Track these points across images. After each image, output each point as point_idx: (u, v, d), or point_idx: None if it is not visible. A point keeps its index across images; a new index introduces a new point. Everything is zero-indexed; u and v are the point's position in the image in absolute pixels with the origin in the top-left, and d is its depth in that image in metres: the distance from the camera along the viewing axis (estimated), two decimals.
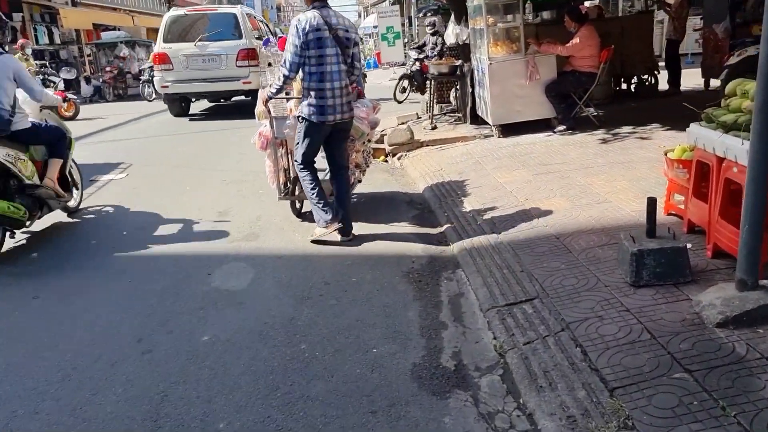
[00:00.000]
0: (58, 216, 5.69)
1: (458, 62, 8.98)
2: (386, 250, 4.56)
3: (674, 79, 9.89)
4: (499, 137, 7.72)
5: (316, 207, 4.70)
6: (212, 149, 9.17)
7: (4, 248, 4.85)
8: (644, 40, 9.69)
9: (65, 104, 13.26)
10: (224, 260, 4.50)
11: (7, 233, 4.90)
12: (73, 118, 13.45)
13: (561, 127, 7.58)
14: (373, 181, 6.60)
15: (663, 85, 10.11)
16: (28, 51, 13.78)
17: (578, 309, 3.12)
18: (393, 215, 5.40)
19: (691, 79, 10.57)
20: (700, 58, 11.16)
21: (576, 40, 7.40)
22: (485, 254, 4.12)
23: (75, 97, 14.09)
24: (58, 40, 23.58)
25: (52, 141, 5.29)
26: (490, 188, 5.61)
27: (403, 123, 10.56)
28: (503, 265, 3.87)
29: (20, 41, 14.87)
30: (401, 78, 13.05)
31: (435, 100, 9.52)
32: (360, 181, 5.87)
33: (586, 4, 11.21)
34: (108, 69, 20.30)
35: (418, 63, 12.11)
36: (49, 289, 4.15)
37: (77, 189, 5.99)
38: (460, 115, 9.26)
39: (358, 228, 5.00)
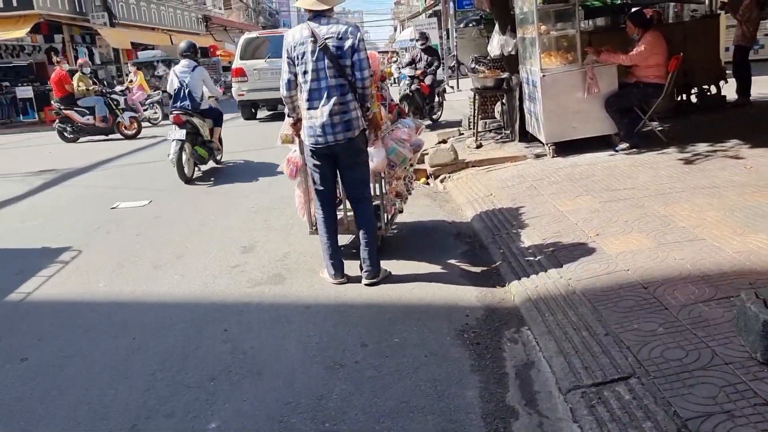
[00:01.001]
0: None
1: (504, 75, 8.26)
2: (434, 297, 3.86)
3: (744, 88, 8.96)
4: (553, 157, 6.95)
5: (324, 257, 4.21)
6: (243, 172, 8.63)
7: None
8: (710, 47, 8.78)
9: (128, 122, 13.44)
10: (244, 310, 3.86)
11: (196, 167, 8.36)
12: (134, 136, 13.46)
13: (624, 145, 6.77)
14: (414, 207, 5.92)
15: (728, 94, 9.18)
16: (87, 71, 13.80)
17: (694, 398, 2.36)
18: (439, 251, 4.70)
19: (759, 87, 9.60)
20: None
21: (641, 47, 6.61)
22: (555, 308, 3.38)
23: (136, 115, 14.13)
24: (98, 60, 23.73)
25: (216, 117, 8.62)
26: (550, 219, 4.86)
27: (444, 141, 9.89)
28: (581, 324, 3.12)
29: (80, 61, 14.89)
30: (401, 99, 11.29)
31: (479, 116, 8.80)
32: (401, 212, 5.20)
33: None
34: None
35: (415, 81, 11.27)
36: (39, 349, 3.57)
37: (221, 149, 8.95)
38: (507, 132, 8.52)
39: (400, 267, 4.33)
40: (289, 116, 4.19)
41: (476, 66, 25.08)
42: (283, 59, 3.93)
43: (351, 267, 4.27)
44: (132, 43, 24.62)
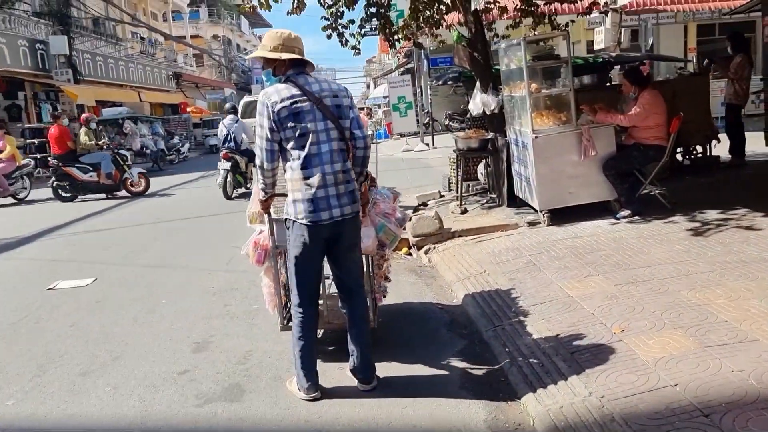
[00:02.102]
0: None
1: (489, 135, 7.69)
2: (430, 419, 3.06)
3: (738, 148, 8.55)
4: (548, 225, 6.31)
5: (295, 365, 3.39)
6: (202, 241, 7.81)
7: None
8: (700, 106, 8.38)
9: (136, 178, 12.98)
10: None
11: (235, 189, 11.20)
12: (143, 193, 12.97)
13: (625, 213, 6.17)
14: (398, 285, 5.17)
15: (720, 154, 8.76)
16: (93, 125, 13.34)
17: None
18: (432, 348, 3.92)
19: (749, 145, 9.21)
20: (751, 120, 9.85)
21: (638, 108, 6.09)
22: None
23: (144, 171, 13.63)
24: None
25: (250, 155, 10.46)
26: (559, 306, 4.14)
27: (424, 203, 9.25)
28: None
29: (84, 115, 14.02)
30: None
31: (462, 178, 8.17)
32: (385, 296, 4.44)
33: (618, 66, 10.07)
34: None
35: None
36: None
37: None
38: (493, 195, 7.90)
39: (389, 370, 3.58)
40: (265, 191, 3.44)
41: (450, 123, 25.05)
42: (261, 125, 3.18)
43: (324, 373, 3.47)
44: (98, 101, 23.89)
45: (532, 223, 6.53)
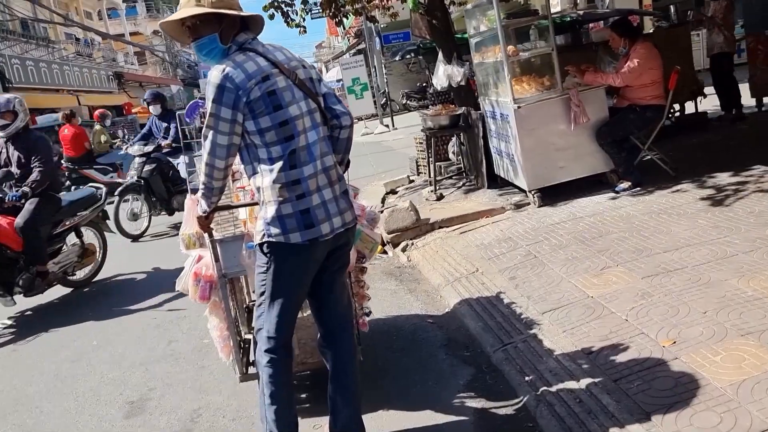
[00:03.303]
0: None
1: (460, 110, 6.85)
2: None
3: (734, 100, 7.84)
4: (539, 206, 5.52)
5: (266, 417, 2.44)
6: (157, 258, 6.81)
7: None
8: (683, 59, 7.68)
9: None
10: None
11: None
12: None
13: (626, 184, 5.42)
14: (375, 296, 4.28)
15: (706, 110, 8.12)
16: (108, 123, 12.43)
17: None
18: (429, 382, 3.10)
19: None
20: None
21: (633, 63, 5.31)
22: None
23: None
24: None
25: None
26: (580, 312, 3.34)
27: (393, 191, 8.40)
28: None
29: (98, 112, 12.73)
30: (125, 190, 7.82)
31: (434, 160, 7.31)
32: (369, 315, 3.56)
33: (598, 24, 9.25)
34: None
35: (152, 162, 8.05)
36: None
37: None
38: (471, 177, 7.08)
39: (376, 423, 2.72)
40: (209, 203, 2.49)
41: (408, 102, 24.23)
42: (216, 113, 2.24)
43: None
44: (31, 109, 22.23)
45: (519, 206, 5.74)
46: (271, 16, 8.44)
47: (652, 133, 5.55)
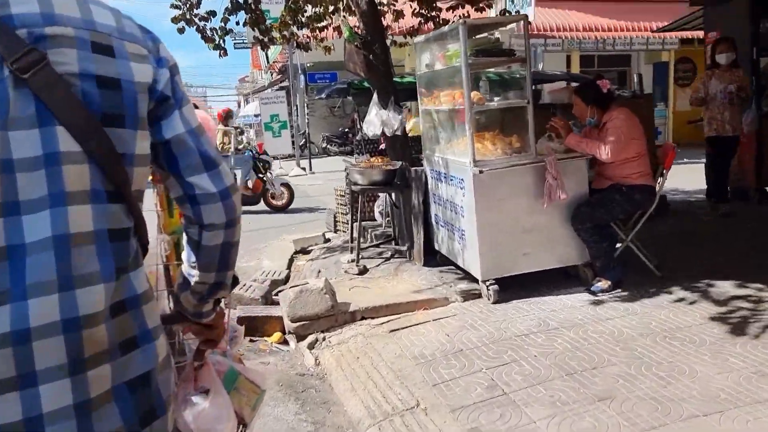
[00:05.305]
0: None
1: (397, 165, 5.53)
2: None
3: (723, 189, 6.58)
4: (494, 303, 4.21)
5: None
6: None
7: None
8: (646, 134, 6.79)
9: (278, 190, 10.11)
10: None
11: None
12: (285, 208, 10.07)
13: (605, 284, 4.21)
14: (262, 429, 2.76)
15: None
16: (231, 123, 10.41)
17: None
18: None
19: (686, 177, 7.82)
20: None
21: (616, 134, 4.18)
22: None
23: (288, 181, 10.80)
24: None
25: None
26: None
27: (303, 252, 6.91)
28: None
29: (221, 110, 10.47)
30: None
31: (360, 224, 5.88)
32: None
33: (556, 84, 8.25)
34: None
35: None
36: None
37: None
38: (402, 248, 5.70)
39: None
40: None
41: (328, 146, 22.99)
42: None
43: None
44: None
45: (467, 296, 4.41)
46: (181, 30, 7.14)
47: (638, 221, 4.44)
